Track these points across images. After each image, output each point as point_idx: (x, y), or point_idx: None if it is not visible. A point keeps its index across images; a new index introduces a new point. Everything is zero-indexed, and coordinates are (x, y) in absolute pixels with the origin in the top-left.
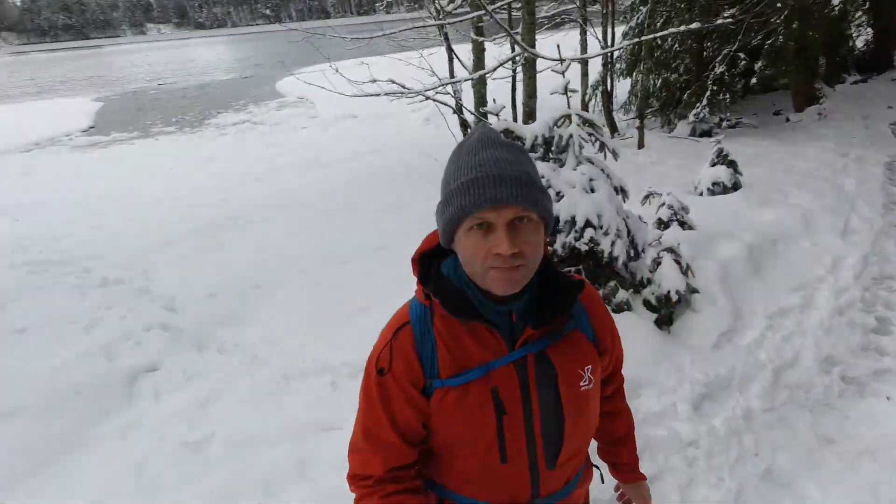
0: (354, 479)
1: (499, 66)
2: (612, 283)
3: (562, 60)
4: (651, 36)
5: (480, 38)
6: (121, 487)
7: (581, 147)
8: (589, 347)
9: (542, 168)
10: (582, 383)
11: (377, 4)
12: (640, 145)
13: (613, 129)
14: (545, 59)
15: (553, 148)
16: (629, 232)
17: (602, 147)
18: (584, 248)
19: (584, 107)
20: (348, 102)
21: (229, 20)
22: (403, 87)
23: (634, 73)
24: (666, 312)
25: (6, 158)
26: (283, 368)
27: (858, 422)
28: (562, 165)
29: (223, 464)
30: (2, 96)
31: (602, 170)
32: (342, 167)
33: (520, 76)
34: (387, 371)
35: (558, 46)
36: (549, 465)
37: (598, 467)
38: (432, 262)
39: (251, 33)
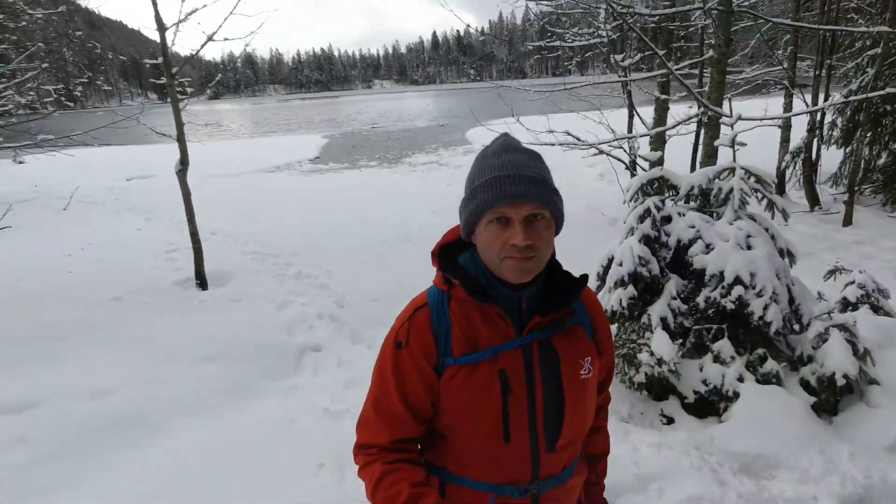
0: (360, 448)
1: (677, 125)
2: (759, 351)
3: (751, 119)
4: (866, 96)
5: (664, 97)
6: (276, 432)
7: (743, 203)
8: (588, 342)
9: (694, 218)
10: (582, 372)
11: (567, 64)
12: (847, 222)
13: (815, 202)
14: (726, 115)
15: (711, 200)
16: (792, 300)
17: (770, 206)
18: (731, 306)
19: (780, 176)
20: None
21: (439, 77)
22: (578, 139)
23: (853, 143)
24: (829, 398)
25: (255, 176)
26: None
27: None
28: (718, 218)
29: (352, 432)
30: (266, 131)
31: (766, 229)
32: None
33: (702, 136)
34: (404, 345)
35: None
36: (549, 448)
37: (589, 466)
38: (450, 254)
39: (455, 89)
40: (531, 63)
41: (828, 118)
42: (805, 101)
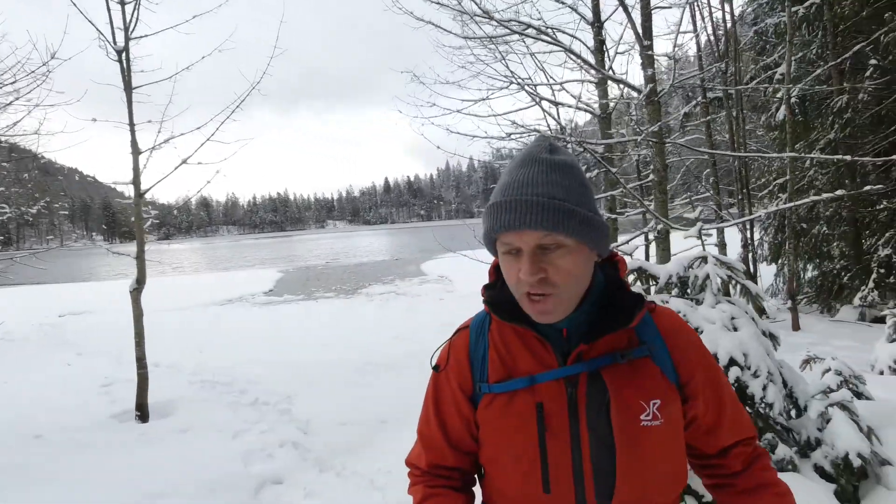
0: (409, 465)
1: (631, 239)
2: (768, 436)
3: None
4: (780, 207)
5: (614, 215)
6: None
7: (719, 289)
8: (662, 380)
9: (678, 304)
10: (643, 417)
11: None
12: (795, 327)
13: (761, 312)
14: (677, 228)
15: (689, 289)
16: (785, 382)
17: (744, 292)
18: None
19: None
20: (484, 280)
21: (390, 218)
22: None
23: (780, 259)
24: (847, 482)
25: (207, 309)
26: (397, 497)
27: None
28: (699, 304)
29: None
30: (220, 268)
31: (745, 311)
32: None
33: (653, 250)
34: (442, 368)
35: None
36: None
37: None
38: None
39: (407, 228)
40: (477, 204)
41: (756, 237)
42: (731, 216)
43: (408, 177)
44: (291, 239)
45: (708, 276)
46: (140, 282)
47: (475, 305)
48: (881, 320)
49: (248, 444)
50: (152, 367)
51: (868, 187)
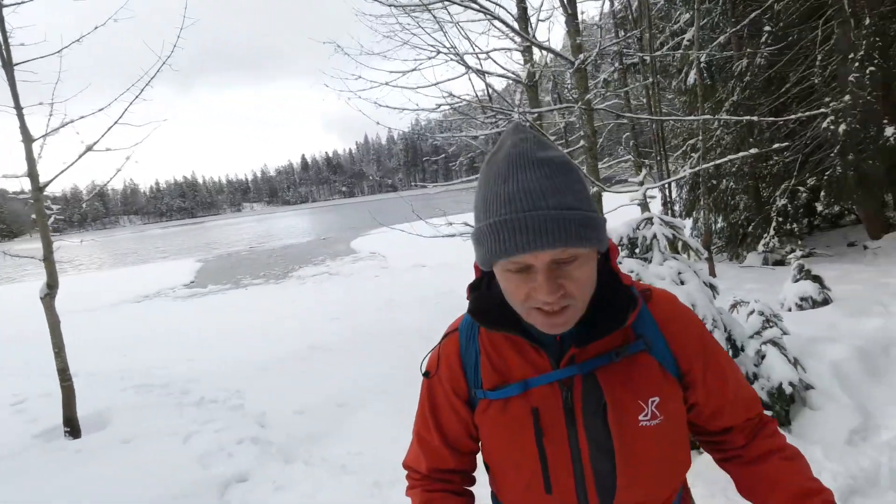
0: (407, 468)
1: None
2: None
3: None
4: (703, 166)
5: None
6: None
7: (666, 247)
8: (660, 375)
9: (631, 264)
10: (642, 417)
11: (426, 184)
12: (712, 275)
13: None
14: (610, 191)
15: (637, 249)
16: (725, 327)
17: (685, 247)
18: None
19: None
20: (418, 254)
21: (311, 196)
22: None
23: (694, 213)
24: (781, 409)
25: (120, 308)
26: (373, 476)
27: None
28: (649, 262)
29: None
30: (130, 262)
31: (689, 266)
32: (414, 307)
33: None
34: (433, 374)
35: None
36: None
37: None
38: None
39: (330, 206)
40: (399, 177)
41: (674, 195)
42: (654, 178)
43: (326, 153)
44: (205, 225)
45: (655, 236)
46: (52, 286)
47: (414, 283)
48: (781, 263)
49: (203, 445)
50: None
51: (776, 146)
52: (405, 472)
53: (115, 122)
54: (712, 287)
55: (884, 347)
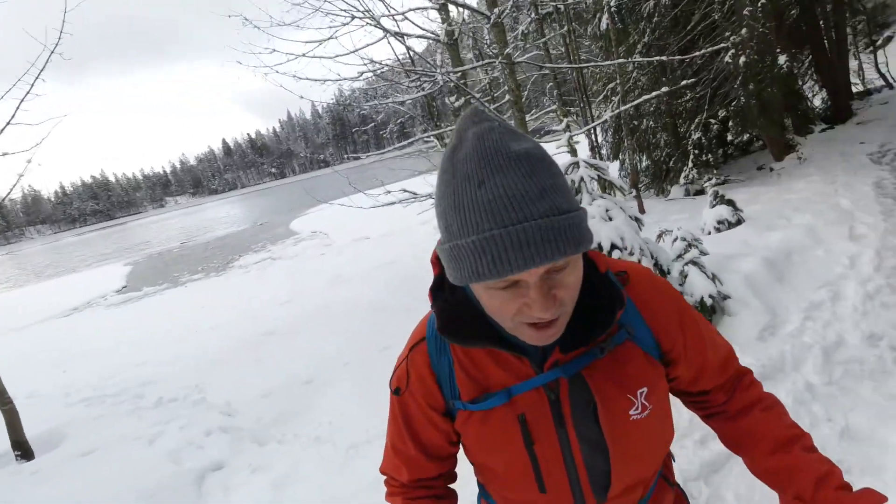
0: (385, 474)
1: None
2: None
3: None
4: (622, 108)
5: None
6: None
7: (594, 188)
8: (645, 362)
9: None
10: (632, 411)
11: (359, 155)
12: (641, 210)
13: None
14: (540, 143)
15: None
16: (652, 255)
17: (609, 186)
18: None
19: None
20: (360, 227)
21: (239, 182)
22: (415, 193)
23: (620, 154)
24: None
25: (48, 324)
26: (348, 440)
27: None
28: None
29: None
30: (48, 276)
31: (615, 203)
32: (363, 280)
33: None
34: (403, 390)
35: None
36: (598, 498)
37: (680, 488)
38: None
39: (261, 190)
40: (330, 151)
41: (600, 139)
42: (579, 124)
43: (248, 135)
44: (127, 226)
45: (583, 179)
46: None
47: (360, 256)
48: (701, 192)
49: (171, 443)
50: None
51: (684, 82)
52: (383, 478)
53: (8, 123)
54: (637, 220)
55: (787, 255)
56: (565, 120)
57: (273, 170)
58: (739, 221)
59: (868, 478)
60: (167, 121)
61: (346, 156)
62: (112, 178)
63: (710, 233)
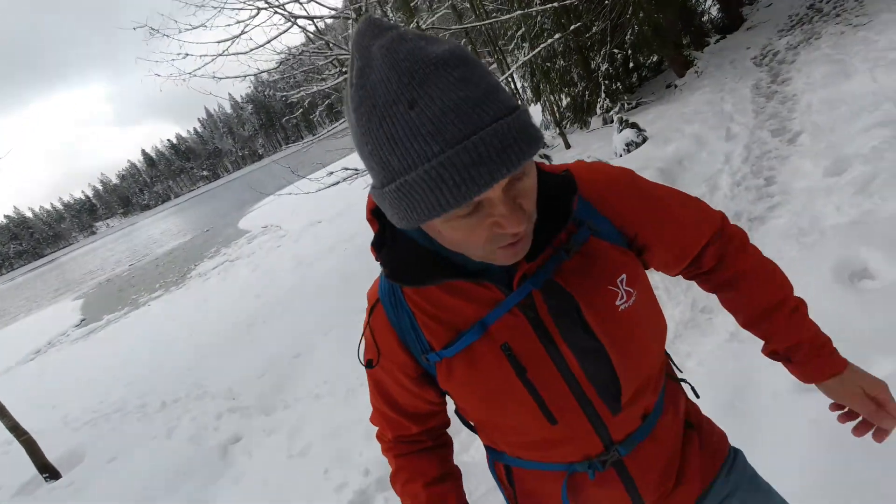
0: (377, 431)
1: None
2: None
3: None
4: (532, 52)
5: None
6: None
7: None
8: (616, 252)
9: None
10: (618, 301)
11: (292, 143)
12: (567, 146)
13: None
14: None
15: None
16: None
17: None
18: None
19: None
20: (310, 213)
21: (172, 193)
22: (356, 170)
23: (542, 98)
24: None
25: (13, 372)
26: (345, 388)
27: (765, 235)
28: None
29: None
30: None
31: None
32: (326, 257)
33: None
34: (375, 362)
35: None
36: (613, 411)
37: (686, 380)
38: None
39: (198, 195)
40: (261, 142)
41: (520, 86)
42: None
43: (168, 140)
44: (60, 261)
45: None
46: None
47: (317, 239)
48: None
49: (188, 432)
50: (8, 443)
51: (577, 24)
52: (376, 430)
53: None
54: (547, 157)
55: (678, 162)
56: None
57: (205, 172)
58: (645, 140)
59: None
60: (76, 144)
61: (283, 145)
62: (29, 214)
63: (620, 155)
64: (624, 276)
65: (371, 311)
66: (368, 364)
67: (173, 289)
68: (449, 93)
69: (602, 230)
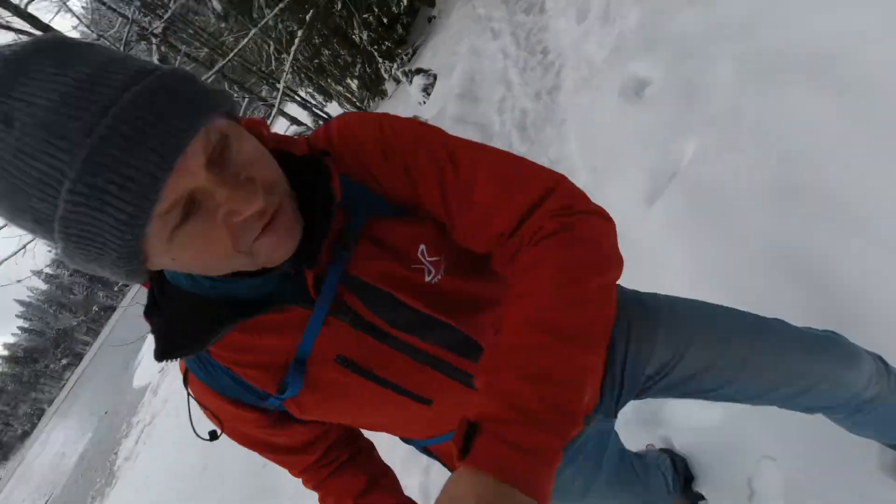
0: (289, 472)
1: None
2: None
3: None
4: (284, 67)
5: None
6: None
7: None
8: (402, 226)
9: None
10: (428, 278)
11: None
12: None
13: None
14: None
15: None
16: None
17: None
18: None
19: None
20: None
21: (43, 404)
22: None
23: (332, 94)
24: None
25: None
26: None
27: (566, 97)
28: None
29: None
30: None
31: None
32: None
33: None
34: (221, 430)
35: None
36: (474, 358)
37: None
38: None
39: (75, 387)
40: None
41: (306, 95)
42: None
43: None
44: None
45: None
46: None
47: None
48: (407, 75)
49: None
50: None
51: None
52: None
53: None
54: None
55: (470, 79)
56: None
57: (64, 361)
58: (435, 78)
59: None
60: None
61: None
62: None
63: (423, 102)
64: (422, 246)
65: (185, 383)
66: (213, 436)
67: (108, 490)
68: (45, 85)
69: (374, 207)
